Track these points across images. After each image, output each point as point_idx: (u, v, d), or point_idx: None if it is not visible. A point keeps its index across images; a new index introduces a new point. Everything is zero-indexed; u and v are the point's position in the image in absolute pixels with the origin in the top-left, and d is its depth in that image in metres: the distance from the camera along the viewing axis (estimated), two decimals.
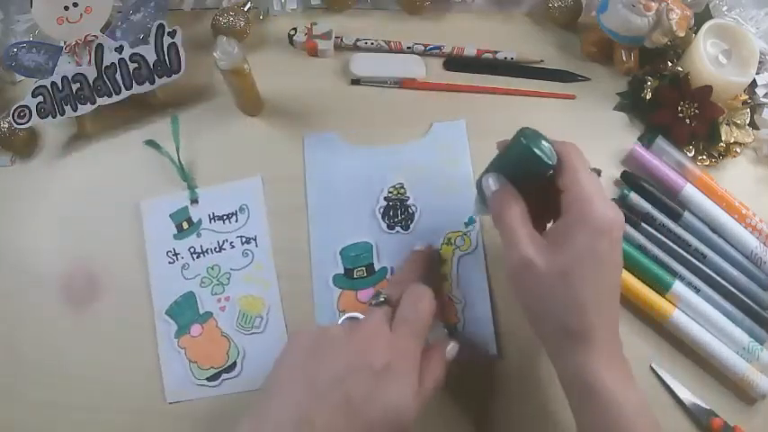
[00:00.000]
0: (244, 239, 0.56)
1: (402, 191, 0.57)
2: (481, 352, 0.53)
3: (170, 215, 0.56)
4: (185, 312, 0.54)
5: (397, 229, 0.56)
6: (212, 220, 0.56)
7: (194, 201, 0.57)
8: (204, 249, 0.56)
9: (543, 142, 0.43)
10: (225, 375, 0.52)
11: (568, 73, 0.63)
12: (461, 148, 0.59)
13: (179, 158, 0.57)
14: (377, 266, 0.55)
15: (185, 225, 0.56)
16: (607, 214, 0.40)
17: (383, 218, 0.56)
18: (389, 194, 0.57)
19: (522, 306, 0.44)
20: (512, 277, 0.43)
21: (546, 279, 0.41)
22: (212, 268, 0.55)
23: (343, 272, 0.55)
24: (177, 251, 0.55)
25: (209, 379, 0.52)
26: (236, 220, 0.56)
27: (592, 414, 0.40)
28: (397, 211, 0.57)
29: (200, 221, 0.56)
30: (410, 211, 0.57)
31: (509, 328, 0.54)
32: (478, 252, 0.56)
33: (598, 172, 0.45)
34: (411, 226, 0.56)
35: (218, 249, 0.56)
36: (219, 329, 0.54)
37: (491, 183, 0.45)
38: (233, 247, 0.56)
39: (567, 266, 0.40)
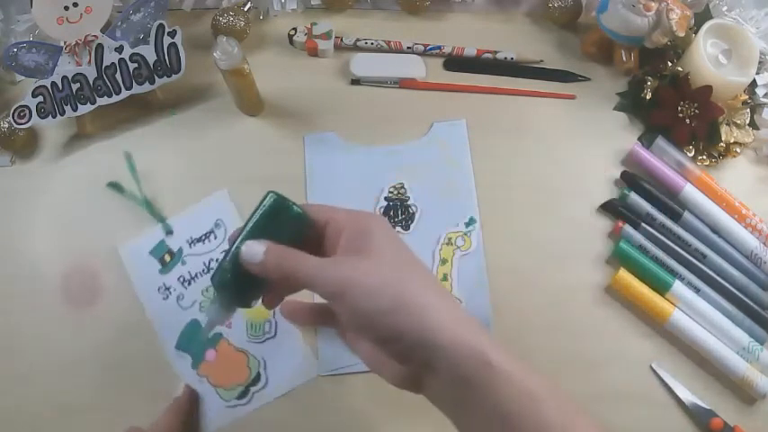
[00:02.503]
0: None
1: (402, 191, 0.57)
2: None
3: (149, 252, 0.56)
4: (195, 341, 0.53)
5: (398, 228, 0.56)
6: (192, 244, 0.56)
7: (169, 232, 0.56)
8: (193, 275, 0.55)
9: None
10: (253, 389, 0.52)
11: (568, 73, 0.63)
12: (462, 148, 0.59)
13: (144, 197, 0.56)
14: None
15: (167, 258, 0.55)
16: (370, 212, 0.39)
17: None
18: (390, 194, 0.57)
19: (366, 329, 0.36)
20: (338, 302, 0.36)
21: (371, 279, 0.35)
22: (207, 290, 0.55)
23: None
24: (167, 285, 0.55)
25: (238, 398, 0.52)
26: (215, 237, 0.56)
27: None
28: (397, 211, 0.57)
29: (180, 250, 0.56)
30: (410, 211, 0.57)
31: (508, 327, 0.54)
32: (478, 252, 0.56)
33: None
34: (411, 226, 0.56)
35: (206, 270, 0.55)
36: (233, 346, 0.53)
37: (255, 247, 0.37)
38: None
39: (381, 259, 0.36)
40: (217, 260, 0.55)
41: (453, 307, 0.36)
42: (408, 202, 0.57)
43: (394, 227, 0.56)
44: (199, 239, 0.56)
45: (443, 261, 0.55)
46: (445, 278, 0.55)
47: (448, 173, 0.58)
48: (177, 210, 0.57)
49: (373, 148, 0.59)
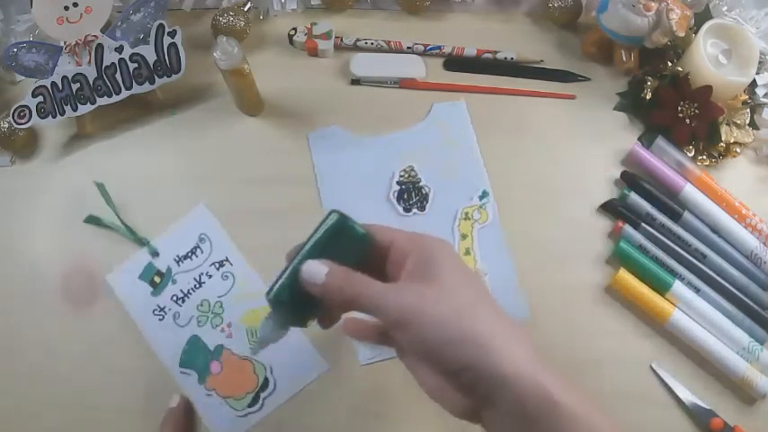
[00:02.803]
0: (217, 265, 0.56)
1: (413, 173, 0.58)
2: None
3: (138, 277, 0.55)
4: (197, 357, 0.53)
5: (414, 210, 0.57)
6: (180, 262, 0.56)
7: (155, 254, 0.56)
8: (186, 292, 0.55)
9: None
10: (263, 395, 0.52)
11: (568, 73, 0.63)
12: (464, 126, 0.60)
13: (123, 223, 0.56)
14: None
15: (157, 279, 0.55)
16: (435, 237, 0.38)
17: (398, 201, 0.57)
18: (401, 178, 0.58)
19: (431, 359, 0.35)
20: (402, 331, 0.35)
21: (438, 309, 0.34)
22: (201, 305, 0.55)
23: None
24: (162, 306, 0.55)
25: (249, 405, 0.52)
26: (202, 251, 0.56)
27: None
28: (411, 194, 0.57)
29: (169, 270, 0.55)
30: (424, 191, 0.57)
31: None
32: (495, 223, 0.56)
33: None
34: (427, 206, 0.57)
35: (198, 285, 0.55)
36: (236, 355, 0.53)
37: (317, 267, 0.36)
38: (210, 276, 0.55)
39: (448, 288, 0.35)
40: (207, 274, 0.55)
41: (520, 339, 0.35)
42: (420, 184, 0.58)
43: (410, 209, 0.57)
44: (186, 256, 0.56)
45: (463, 236, 0.56)
46: (468, 252, 0.55)
47: (455, 150, 0.59)
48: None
49: (378, 136, 0.59)
